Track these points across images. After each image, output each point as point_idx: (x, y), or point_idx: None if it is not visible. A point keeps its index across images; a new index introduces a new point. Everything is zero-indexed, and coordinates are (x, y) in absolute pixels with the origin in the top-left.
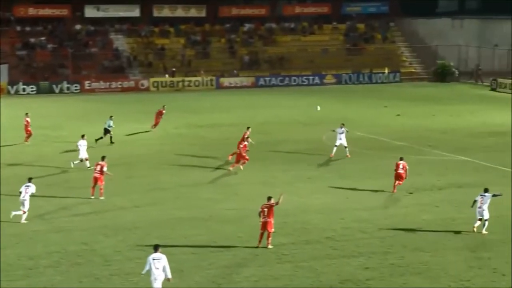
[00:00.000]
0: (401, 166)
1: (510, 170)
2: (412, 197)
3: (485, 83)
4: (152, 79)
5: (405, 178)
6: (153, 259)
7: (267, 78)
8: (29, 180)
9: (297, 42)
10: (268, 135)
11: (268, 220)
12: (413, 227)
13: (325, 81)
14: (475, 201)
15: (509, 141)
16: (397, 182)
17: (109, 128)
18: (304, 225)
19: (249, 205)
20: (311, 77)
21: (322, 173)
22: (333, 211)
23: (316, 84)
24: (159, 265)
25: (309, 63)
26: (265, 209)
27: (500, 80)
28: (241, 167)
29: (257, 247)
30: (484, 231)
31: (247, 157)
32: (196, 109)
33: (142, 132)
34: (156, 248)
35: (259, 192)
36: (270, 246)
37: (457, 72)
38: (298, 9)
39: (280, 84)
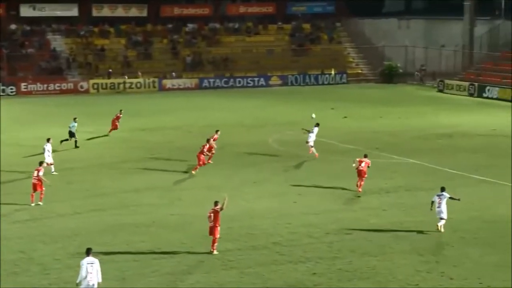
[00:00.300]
0: (363, 164)
1: (458, 172)
2: (360, 200)
3: (428, 84)
4: (92, 81)
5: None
6: (87, 263)
7: (211, 80)
8: None
9: (241, 43)
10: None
11: (214, 225)
12: (361, 231)
13: (270, 82)
14: (432, 202)
15: (456, 143)
16: (359, 181)
17: (73, 131)
18: (250, 230)
19: (193, 211)
20: (256, 79)
21: (269, 176)
22: (280, 215)
23: (262, 86)
24: (92, 269)
25: (254, 64)
26: (211, 214)
27: (447, 81)
28: (193, 171)
29: (209, 252)
30: (442, 229)
31: (203, 161)
32: (138, 112)
33: (97, 136)
34: (88, 252)
35: (204, 197)
36: (215, 252)
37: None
38: (242, 9)
39: (225, 85)
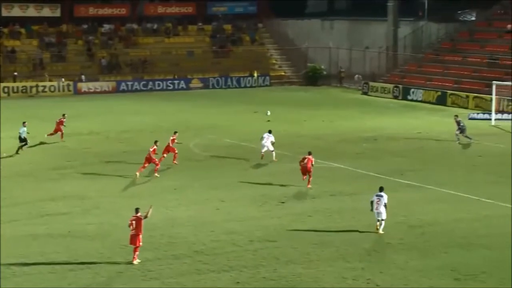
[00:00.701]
0: (305, 161)
1: (383, 176)
2: (285, 206)
3: (345, 85)
4: (2, 84)
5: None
6: None
7: (129, 83)
8: None
9: (160, 44)
10: (130, 144)
11: (135, 233)
12: (286, 238)
13: (191, 85)
14: (372, 202)
15: (381, 146)
16: (307, 177)
17: (23, 136)
18: (171, 239)
19: (111, 219)
20: (176, 82)
21: (190, 183)
22: (202, 223)
23: (182, 89)
24: None
25: (174, 67)
26: (133, 222)
27: (371, 83)
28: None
29: (129, 262)
30: (380, 231)
31: (156, 161)
32: (52, 117)
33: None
34: None
35: (122, 204)
36: (136, 262)
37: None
38: (160, 9)
39: (144, 89)
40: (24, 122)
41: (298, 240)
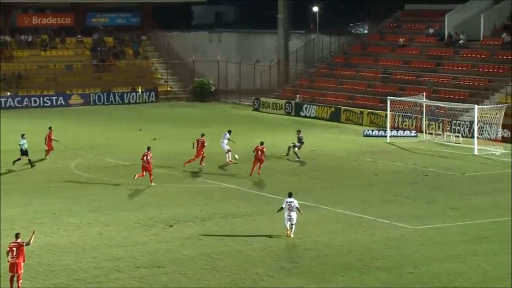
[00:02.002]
0: (260, 153)
1: (277, 197)
2: (173, 230)
3: (235, 101)
4: None
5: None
6: None
7: (2, 99)
8: None
9: (36, 58)
10: (3, 165)
11: (17, 261)
12: (174, 264)
13: (70, 101)
14: (281, 208)
15: (274, 165)
16: (257, 166)
17: (24, 149)
18: (50, 267)
19: None
20: (54, 97)
21: (70, 206)
22: (84, 249)
23: (61, 105)
24: None
25: (52, 82)
26: (14, 249)
27: (263, 99)
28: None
29: None
30: (291, 235)
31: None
32: None
33: None
34: None
35: None
36: None
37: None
38: (35, 20)
39: (18, 105)
40: (23, 135)
41: (188, 265)
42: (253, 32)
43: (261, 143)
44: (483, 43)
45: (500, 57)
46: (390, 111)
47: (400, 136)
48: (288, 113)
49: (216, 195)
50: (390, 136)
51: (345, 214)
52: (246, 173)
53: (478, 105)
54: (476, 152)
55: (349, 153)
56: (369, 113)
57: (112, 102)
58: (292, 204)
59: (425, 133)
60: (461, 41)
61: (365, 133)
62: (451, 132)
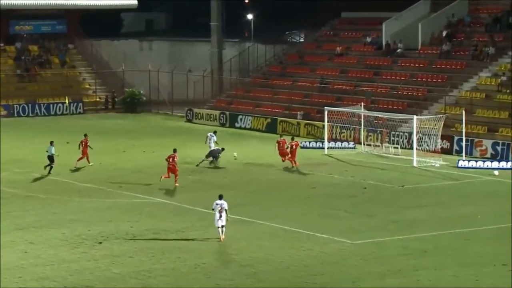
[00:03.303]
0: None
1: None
2: (102, 247)
3: (168, 112)
4: None
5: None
6: None
7: None
8: None
9: None
10: None
11: None
12: (103, 283)
13: None
14: (213, 209)
15: (208, 179)
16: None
17: (52, 155)
18: None
19: None
20: None
21: None
22: (7, 269)
23: None
24: None
25: None
26: None
27: (196, 110)
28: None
29: None
30: (222, 237)
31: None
32: None
33: None
34: None
35: None
36: None
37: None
38: None
39: None
40: (51, 142)
41: (118, 284)
42: (185, 40)
43: (174, 150)
44: (421, 52)
45: (438, 66)
46: (328, 122)
47: (338, 148)
48: (223, 124)
49: (147, 210)
50: (328, 148)
51: (282, 229)
52: (179, 186)
53: (417, 115)
54: (415, 164)
55: (286, 166)
56: (306, 124)
57: (38, 113)
58: (223, 206)
59: (364, 144)
60: (399, 50)
61: (302, 145)
62: (389, 144)
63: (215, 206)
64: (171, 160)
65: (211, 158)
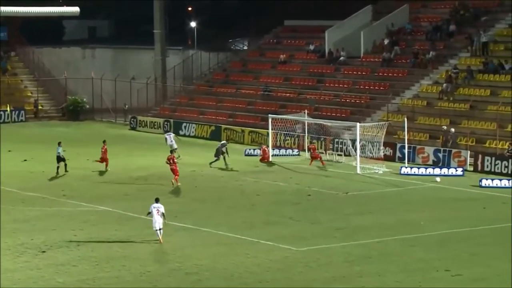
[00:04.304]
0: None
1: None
2: (46, 256)
3: (111, 120)
4: None
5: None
6: None
7: None
8: None
9: None
10: None
11: None
12: None
13: None
14: (149, 213)
15: (152, 186)
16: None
17: (62, 155)
18: None
19: None
20: None
21: None
22: None
23: None
24: None
25: None
26: None
27: (140, 117)
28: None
29: None
30: (161, 238)
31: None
32: None
33: None
34: None
35: None
36: None
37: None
38: None
39: None
40: (59, 142)
41: None
42: (128, 48)
43: (171, 152)
44: (363, 60)
45: (380, 74)
46: (272, 129)
47: (283, 155)
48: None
49: (91, 218)
50: (272, 155)
51: (227, 236)
52: (122, 194)
53: (360, 122)
54: (359, 171)
55: (230, 173)
56: (250, 131)
57: None
58: (160, 210)
59: (308, 151)
60: (341, 58)
61: (246, 152)
62: (333, 151)
63: (151, 209)
64: (171, 161)
65: (219, 156)
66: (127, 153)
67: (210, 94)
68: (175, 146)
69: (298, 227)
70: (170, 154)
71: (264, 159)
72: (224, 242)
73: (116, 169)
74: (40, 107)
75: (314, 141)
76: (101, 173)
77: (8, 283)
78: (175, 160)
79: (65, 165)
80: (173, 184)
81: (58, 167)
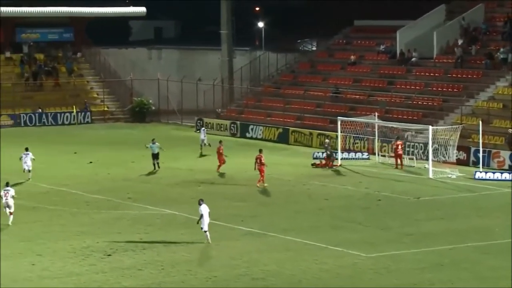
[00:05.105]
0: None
1: (222, 223)
2: (111, 260)
3: (177, 122)
4: None
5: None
6: None
7: None
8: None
9: None
10: None
11: None
12: None
13: None
14: (202, 215)
15: (218, 190)
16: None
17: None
18: None
19: None
20: None
21: None
22: (14, 281)
23: None
24: None
25: None
26: None
27: (206, 119)
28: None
29: None
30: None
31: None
32: None
33: None
34: None
35: None
36: None
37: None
38: None
39: None
40: (153, 139)
41: None
42: (195, 48)
43: (260, 151)
44: (436, 61)
45: (454, 75)
46: (341, 132)
47: (352, 159)
48: (234, 135)
49: (157, 222)
50: (341, 159)
51: (294, 241)
52: (189, 197)
53: (432, 126)
54: (431, 175)
55: (298, 177)
56: (318, 134)
57: (45, 123)
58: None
59: (378, 155)
60: (413, 59)
61: (314, 156)
62: (404, 155)
63: (201, 211)
64: (258, 161)
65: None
66: (192, 156)
67: (277, 96)
68: (206, 142)
69: (367, 232)
70: (258, 154)
71: (325, 165)
72: (292, 247)
73: (181, 172)
74: (105, 109)
75: (399, 140)
76: (163, 177)
77: (73, 286)
78: (263, 161)
79: (157, 162)
80: (259, 186)
81: (155, 163)
